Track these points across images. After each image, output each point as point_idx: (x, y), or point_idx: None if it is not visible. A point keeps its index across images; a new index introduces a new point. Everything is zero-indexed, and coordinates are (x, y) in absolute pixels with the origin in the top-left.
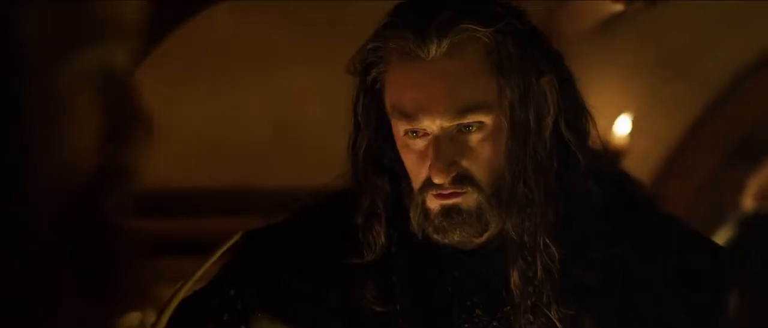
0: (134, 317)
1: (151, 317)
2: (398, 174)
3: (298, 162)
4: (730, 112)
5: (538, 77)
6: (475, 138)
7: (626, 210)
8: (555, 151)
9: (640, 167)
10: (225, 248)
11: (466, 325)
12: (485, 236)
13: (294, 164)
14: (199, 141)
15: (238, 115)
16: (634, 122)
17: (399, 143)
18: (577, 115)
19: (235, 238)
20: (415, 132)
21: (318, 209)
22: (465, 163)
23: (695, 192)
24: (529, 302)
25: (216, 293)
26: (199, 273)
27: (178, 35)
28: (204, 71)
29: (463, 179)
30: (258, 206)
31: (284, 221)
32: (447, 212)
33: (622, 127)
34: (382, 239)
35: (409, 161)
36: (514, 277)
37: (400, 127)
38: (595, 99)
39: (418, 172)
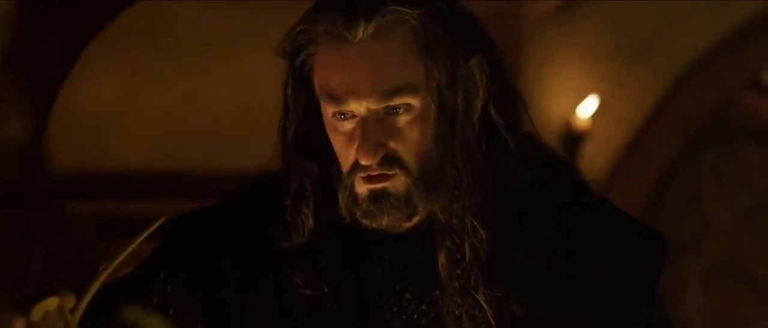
0: (51, 302)
1: (70, 302)
2: (328, 158)
3: (262, 145)
4: (694, 95)
5: (466, 60)
6: (402, 120)
7: (558, 194)
8: (484, 134)
9: (603, 149)
10: (146, 233)
11: (395, 309)
12: (414, 220)
13: (257, 147)
14: (164, 124)
15: (201, 98)
16: (598, 104)
17: (328, 126)
18: (507, 99)
19: (158, 223)
20: (343, 114)
21: (249, 192)
22: (392, 144)
23: (659, 174)
24: (457, 285)
25: (145, 276)
26: (120, 258)
27: (141, 19)
28: (167, 55)
29: (391, 161)
30: (221, 189)
31: (216, 205)
32: (375, 196)
33: (586, 109)
34: (310, 222)
35: (338, 144)
36: (442, 259)
37: (328, 110)
38: (559, 82)
39: (346, 154)
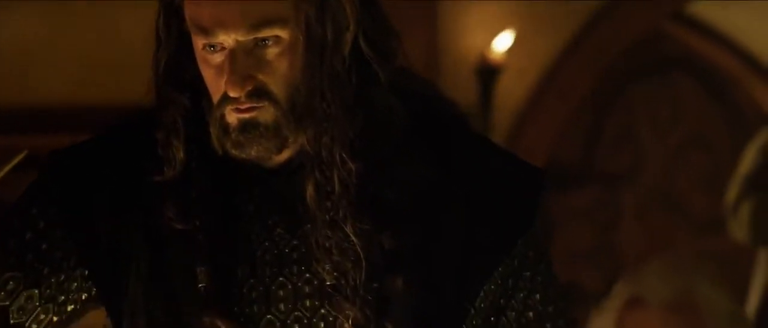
0: None
1: None
2: (200, 91)
3: None
4: (610, 30)
5: None
6: (271, 52)
7: (433, 129)
8: (355, 67)
9: (516, 84)
10: (9, 166)
11: (267, 243)
12: (286, 153)
13: None
14: (82, 58)
15: (119, 32)
16: (514, 39)
17: (198, 58)
18: (379, 32)
19: (20, 156)
20: (213, 47)
21: (125, 127)
22: (261, 77)
23: (572, 111)
24: (326, 217)
25: (18, 212)
26: None
27: None
28: None
29: (260, 93)
30: None
31: (92, 139)
32: (244, 126)
33: (501, 43)
34: (181, 154)
35: (208, 76)
36: (310, 191)
37: (198, 42)
38: (475, 18)
39: (216, 86)
